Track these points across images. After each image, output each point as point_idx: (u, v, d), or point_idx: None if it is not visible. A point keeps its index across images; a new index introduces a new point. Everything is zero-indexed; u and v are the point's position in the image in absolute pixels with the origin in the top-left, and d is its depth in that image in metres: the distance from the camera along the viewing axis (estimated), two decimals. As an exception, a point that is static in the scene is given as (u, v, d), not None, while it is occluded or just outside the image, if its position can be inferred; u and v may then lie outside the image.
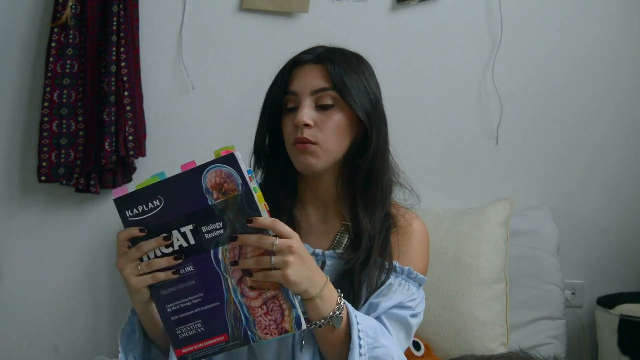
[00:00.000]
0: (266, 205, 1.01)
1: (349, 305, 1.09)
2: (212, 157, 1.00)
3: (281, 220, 1.22)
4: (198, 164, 1.00)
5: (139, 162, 2.05)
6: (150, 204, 1.03)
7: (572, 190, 2.08)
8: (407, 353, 1.70)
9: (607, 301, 1.86)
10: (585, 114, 2.07)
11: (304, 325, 0.98)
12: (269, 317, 0.99)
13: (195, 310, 1.03)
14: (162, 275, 1.02)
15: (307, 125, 1.18)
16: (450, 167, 2.09)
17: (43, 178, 1.98)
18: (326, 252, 1.24)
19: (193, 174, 1.00)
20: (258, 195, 1.00)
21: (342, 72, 1.20)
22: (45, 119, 1.97)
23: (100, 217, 2.08)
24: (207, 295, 1.02)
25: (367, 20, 2.05)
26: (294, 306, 0.98)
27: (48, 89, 1.97)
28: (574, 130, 2.07)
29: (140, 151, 2.00)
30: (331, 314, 1.04)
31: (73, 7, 1.95)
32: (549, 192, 2.08)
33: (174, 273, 1.02)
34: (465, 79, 2.07)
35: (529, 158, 2.08)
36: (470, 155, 2.08)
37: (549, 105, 2.07)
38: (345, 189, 1.25)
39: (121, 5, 1.94)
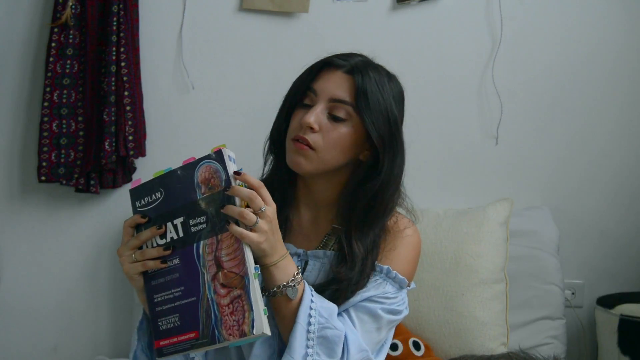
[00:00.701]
0: (245, 204, 1.03)
1: (309, 286, 1.12)
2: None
3: (279, 216, 1.23)
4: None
5: (139, 162, 2.05)
6: (153, 195, 1.09)
7: (572, 191, 2.09)
8: (407, 353, 1.71)
9: (607, 301, 1.86)
10: (585, 113, 2.07)
11: (260, 329, 0.98)
12: (233, 317, 1.00)
13: (175, 304, 1.05)
14: (151, 264, 1.06)
15: (311, 128, 1.18)
16: (450, 167, 2.09)
17: (43, 178, 1.98)
18: (309, 252, 1.24)
19: (188, 168, 1.06)
20: None
21: (369, 91, 1.18)
22: (45, 119, 1.97)
23: (100, 217, 2.08)
24: (186, 289, 1.04)
25: (367, 20, 2.05)
26: (251, 309, 0.99)
27: (48, 89, 1.97)
28: (574, 130, 2.08)
29: (140, 151, 2.00)
30: (285, 283, 1.08)
31: (73, 7, 1.95)
32: (549, 192, 2.08)
33: (161, 263, 1.06)
34: (465, 79, 2.07)
35: (529, 158, 2.08)
36: (470, 155, 2.08)
37: (549, 105, 2.07)
38: (344, 210, 1.23)
39: (121, 5, 1.94)
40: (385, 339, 1.26)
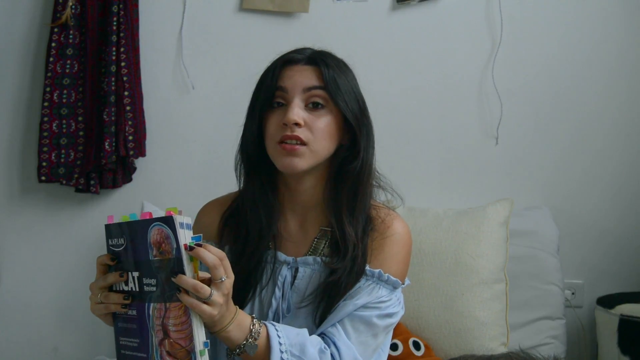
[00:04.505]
0: (198, 275, 0.99)
1: (272, 328, 1.10)
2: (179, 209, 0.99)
3: (271, 229, 1.22)
4: (154, 216, 1.01)
5: (139, 162, 2.05)
6: (119, 240, 1.06)
7: (572, 190, 2.09)
8: (407, 353, 1.71)
9: (607, 301, 1.86)
10: (585, 113, 2.07)
11: None
12: None
13: (133, 353, 1.05)
14: (112, 307, 1.06)
15: (297, 124, 1.17)
16: (450, 167, 2.09)
17: (43, 178, 1.98)
18: (299, 259, 1.24)
19: (143, 225, 1.01)
20: (194, 265, 0.99)
21: (335, 74, 1.20)
22: (45, 119, 1.97)
23: (100, 217, 2.07)
24: (140, 343, 1.03)
25: (367, 20, 2.05)
26: None
27: (48, 89, 1.97)
28: (574, 130, 2.08)
29: (140, 151, 2.00)
30: (244, 342, 1.07)
31: (73, 7, 1.95)
32: (549, 192, 2.08)
33: (122, 308, 1.05)
34: (465, 79, 2.07)
35: (529, 158, 2.08)
36: (470, 155, 2.08)
37: (549, 105, 2.07)
38: (331, 196, 1.23)
39: (121, 5, 1.95)
40: (384, 343, 1.26)
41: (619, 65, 2.06)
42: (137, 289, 1.03)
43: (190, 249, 0.98)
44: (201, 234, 1.01)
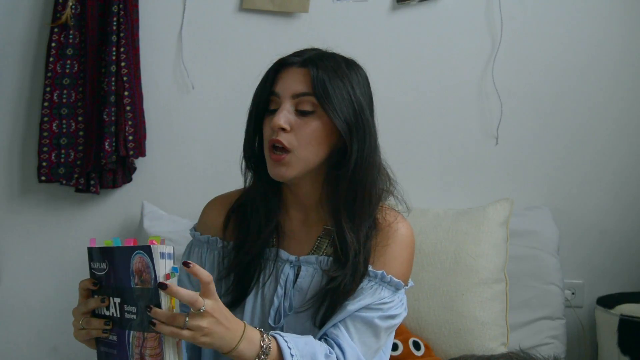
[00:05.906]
0: (174, 307, 0.98)
1: (282, 340, 1.09)
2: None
3: (269, 226, 1.22)
4: (138, 244, 1.00)
5: (139, 162, 2.05)
6: (102, 264, 1.05)
7: (572, 191, 2.09)
8: (407, 353, 1.71)
9: (607, 301, 1.86)
10: (585, 113, 2.07)
11: None
12: None
13: None
14: (93, 333, 1.06)
15: (283, 129, 1.16)
16: (450, 167, 2.09)
17: (43, 178, 1.98)
18: (301, 258, 1.23)
19: (125, 252, 1.00)
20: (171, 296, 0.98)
21: (326, 78, 1.17)
22: (45, 119, 1.97)
23: (100, 217, 2.08)
24: None
25: (367, 20, 2.05)
26: None
27: (48, 89, 1.97)
28: (575, 130, 2.08)
29: (140, 151, 2.00)
30: (256, 358, 1.06)
31: (73, 7, 1.95)
32: (549, 192, 2.08)
33: (103, 333, 1.05)
34: (465, 79, 2.07)
35: (529, 158, 2.08)
36: (470, 155, 2.08)
37: (549, 105, 2.07)
38: (329, 200, 1.22)
39: (121, 5, 1.95)
40: (386, 344, 1.26)
41: (619, 65, 2.06)
42: (118, 315, 1.03)
43: (163, 287, 0.95)
44: (178, 266, 0.98)
